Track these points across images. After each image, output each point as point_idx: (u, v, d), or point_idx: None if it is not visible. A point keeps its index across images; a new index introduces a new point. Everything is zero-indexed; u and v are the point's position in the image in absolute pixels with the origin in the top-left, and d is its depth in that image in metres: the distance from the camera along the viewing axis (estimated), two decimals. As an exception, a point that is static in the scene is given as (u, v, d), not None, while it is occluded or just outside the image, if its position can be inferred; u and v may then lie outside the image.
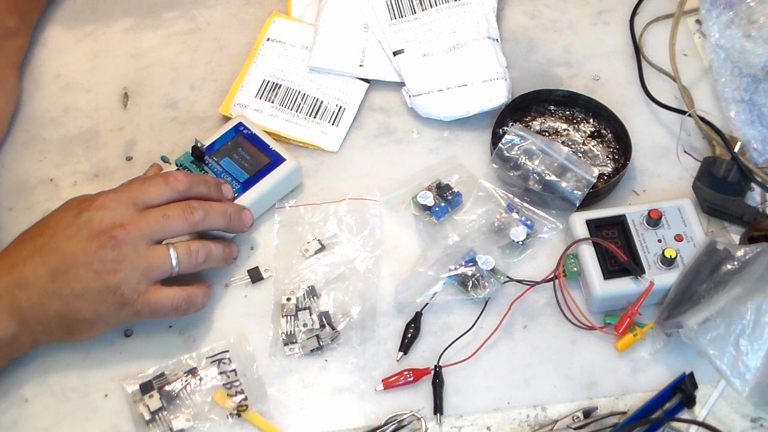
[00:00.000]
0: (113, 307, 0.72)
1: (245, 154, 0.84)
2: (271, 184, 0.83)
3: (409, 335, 0.78)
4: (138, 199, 0.74)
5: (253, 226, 0.82)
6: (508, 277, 0.80)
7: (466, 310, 0.79)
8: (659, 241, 0.79)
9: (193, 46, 0.97)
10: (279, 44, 0.94)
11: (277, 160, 0.84)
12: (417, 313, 0.79)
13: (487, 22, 0.92)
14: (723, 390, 0.75)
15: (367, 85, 0.92)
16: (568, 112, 0.90)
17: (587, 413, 0.74)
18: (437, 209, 0.83)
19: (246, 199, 0.82)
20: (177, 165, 0.83)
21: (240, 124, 0.86)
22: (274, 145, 0.85)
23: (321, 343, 0.77)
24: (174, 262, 0.74)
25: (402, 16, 0.94)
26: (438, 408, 0.74)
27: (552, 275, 0.79)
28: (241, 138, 0.85)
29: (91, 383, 0.77)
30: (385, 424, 0.74)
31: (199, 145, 0.82)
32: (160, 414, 0.74)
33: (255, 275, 0.81)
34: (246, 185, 0.82)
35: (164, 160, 0.83)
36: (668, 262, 0.77)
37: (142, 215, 0.74)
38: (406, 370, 0.76)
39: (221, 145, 0.84)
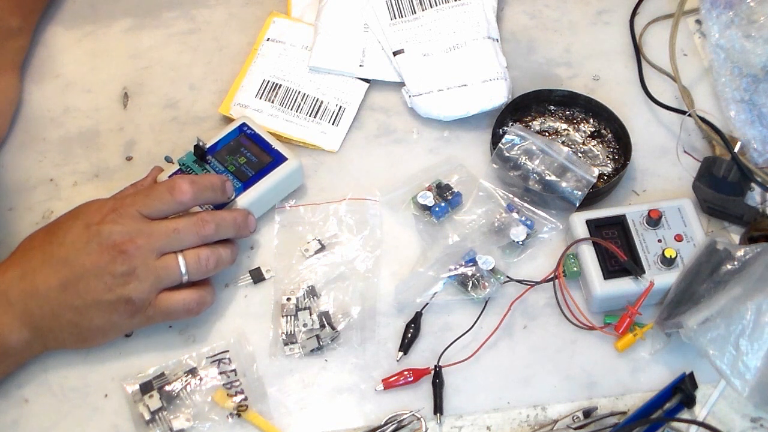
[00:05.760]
0: (125, 315, 0.73)
1: (248, 154, 0.84)
2: (273, 183, 0.83)
3: (409, 335, 0.78)
4: (144, 212, 0.74)
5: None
6: (508, 277, 0.80)
7: (466, 310, 0.79)
8: (659, 241, 0.79)
9: (193, 46, 0.97)
10: (279, 44, 0.94)
11: (279, 159, 0.83)
12: (417, 313, 0.79)
13: (487, 22, 0.92)
14: (723, 390, 0.75)
15: (367, 85, 0.92)
16: (568, 112, 0.90)
17: (587, 413, 0.74)
18: (437, 209, 0.83)
19: (248, 198, 0.82)
20: (180, 165, 0.83)
21: (244, 124, 0.86)
22: (276, 144, 0.84)
23: (321, 343, 0.77)
24: (183, 271, 0.74)
25: (402, 16, 0.94)
26: (438, 408, 0.74)
27: (552, 275, 0.79)
28: (245, 138, 0.85)
29: (91, 383, 0.77)
30: (385, 424, 0.74)
31: (201, 144, 0.82)
32: (160, 414, 0.74)
33: (257, 275, 0.81)
34: (247, 184, 0.82)
35: (167, 160, 0.83)
36: (668, 262, 0.77)
37: (152, 228, 0.74)
38: (406, 370, 0.76)
39: (224, 144, 0.84)
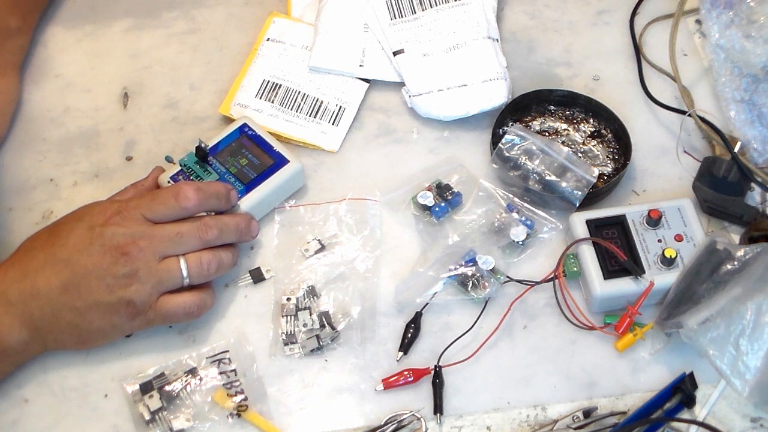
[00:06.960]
0: (126, 317, 0.73)
1: (249, 156, 0.84)
2: (274, 185, 0.83)
3: (409, 335, 0.78)
4: (148, 216, 0.74)
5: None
6: (508, 277, 0.80)
7: (466, 310, 0.79)
8: (659, 241, 0.79)
9: (193, 46, 0.97)
10: (279, 44, 0.94)
11: (281, 161, 0.83)
12: (417, 313, 0.79)
13: (487, 22, 0.92)
14: (723, 390, 0.75)
15: (367, 85, 0.92)
16: (568, 112, 0.90)
17: (587, 413, 0.74)
18: (437, 209, 0.83)
19: (249, 200, 0.82)
20: (181, 165, 0.83)
21: (245, 125, 0.86)
22: (278, 146, 0.84)
23: (321, 343, 0.77)
24: (185, 274, 0.74)
25: (402, 16, 0.94)
26: (438, 408, 0.74)
27: (552, 275, 0.79)
28: (246, 139, 0.85)
29: (91, 383, 0.77)
30: (385, 424, 0.74)
31: (203, 145, 0.82)
32: (160, 414, 0.74)
33: (257, 275, 0.81)
34: (249, 186, 0.82)
35: (168, 160, 0.83)
36: (668, 262, 0.77)
37: (155, 231, 0.74)
38: (406, 370, 0.76)
39: (226, 145, 0.84)
